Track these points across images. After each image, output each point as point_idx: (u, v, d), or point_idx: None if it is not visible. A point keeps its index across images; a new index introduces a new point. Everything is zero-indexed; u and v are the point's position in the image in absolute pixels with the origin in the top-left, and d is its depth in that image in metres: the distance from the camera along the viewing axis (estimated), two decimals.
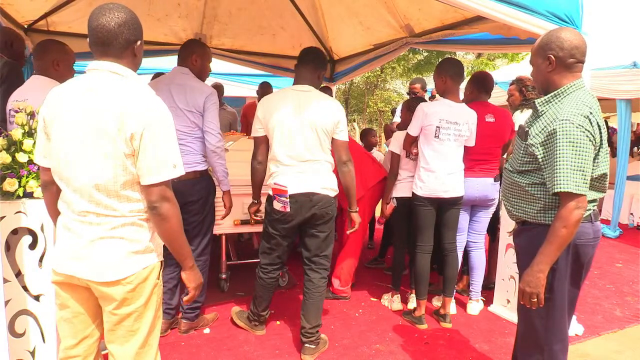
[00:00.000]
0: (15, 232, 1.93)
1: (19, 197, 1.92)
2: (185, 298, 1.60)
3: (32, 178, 1.93)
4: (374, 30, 4.46)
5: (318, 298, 2.53)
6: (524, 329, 1.84)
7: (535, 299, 1.62)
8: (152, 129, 1.35)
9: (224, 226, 3.20)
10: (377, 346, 2.72)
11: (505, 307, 3.17)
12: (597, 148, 1.61)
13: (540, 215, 1.70)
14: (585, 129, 1.54)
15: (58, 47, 2.46)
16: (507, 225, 3.06)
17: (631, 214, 6.24)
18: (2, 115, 2.47)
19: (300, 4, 4.50)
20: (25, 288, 1.95)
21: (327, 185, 2.45)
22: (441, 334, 2.91)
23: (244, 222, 3.27)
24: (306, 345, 2.52)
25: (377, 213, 4.07)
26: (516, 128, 2.84)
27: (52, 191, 1.50)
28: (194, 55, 2.57)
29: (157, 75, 3.79)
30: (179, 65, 2.59)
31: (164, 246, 1.54)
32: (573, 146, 1.54)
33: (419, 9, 3.83)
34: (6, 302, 1.88)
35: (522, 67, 6.21)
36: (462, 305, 3.33)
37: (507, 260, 3.13)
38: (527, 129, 1.73)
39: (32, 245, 1.94)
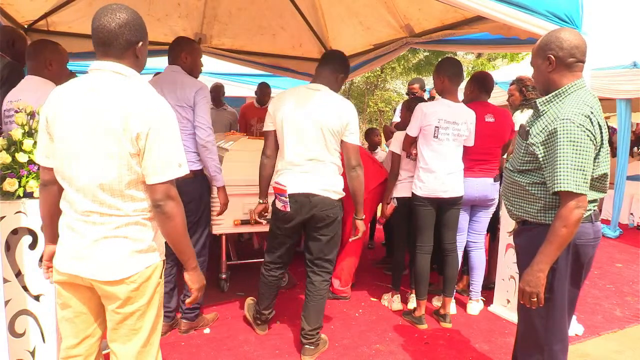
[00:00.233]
0: (15, 232, 1.93)
1: (19, 197, 1.92)
2: (188, 300, 1.61)
3: (32, 178, 1.93)
4: (374, 30, 4.46)
5: (319, 301, 2.53)
6: (524, 329, 1.84)
7: (535, 299, 1.62)
8: (157, 128, 1.36)
9: (224, 226, 3.20)
10: (377, 346, 2.73)
11: (505, 307, 3.17)
12: (598, 148, 1.61)
13: (541, 214, 1.70)
14: (586, 129, 1.54)
15: (51, 47, 2.46)
16: (507, 225, 3.06)
17: (631, 214, 6.24)
18: None
19: (300, 4, 4.49)
20: (25, 288, 1.95)
21: (328, 187, 2.41)
22: (441, 334, 2.91)
23: (244, 222, 3.27)
24: (306, 346, 2.52)
25: (378, 213, 4.07)
26: (516, 128, 2.85)
27: (51, 191, 1.50)
28: (183, 53, 2.56)
29: (157, 75, 3.79)
30: (170, 64, 2.59)
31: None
32: (574, 145, 1.54)
33: (419, 9, 3.83)
34: (6, 302, 1.88)
35: (522, 67, 6.21)
36: (462, 305, 3.34)
37: (507, 260, 3.13)
38: (528, 128, 1.73)
39: (32, 245, 1.94)
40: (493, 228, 3.47)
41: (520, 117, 3.33)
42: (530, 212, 1.74)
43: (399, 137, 3.15)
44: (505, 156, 3.34)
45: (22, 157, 1.92)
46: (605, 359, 2.68)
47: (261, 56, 5.05)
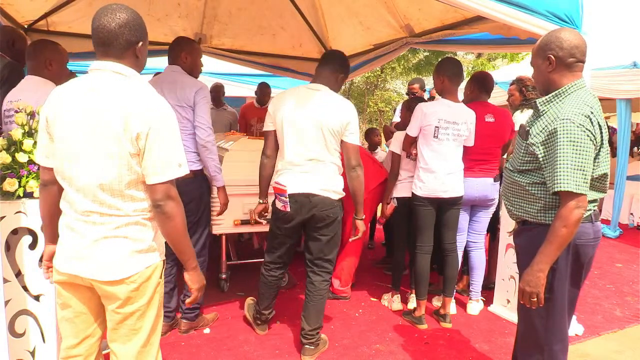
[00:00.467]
0: (15, 232, 1.93)
1: (19, 197, 1.92)
2: (187, 300, 1.61)
3: (32, 178, 1.93)
4: (374, 30, 4.46)
5: (319, 301, 2.53)
6: (524, 329, 1.84)
7: (535, 299, 1.62)
8: (157, 128, 1.36)
9: (224, 226, 3.20)
10: (377, 346, 2.73)
11: (505, 307, 3.17)
12: (598, 148, 1.61)
13: (541, 214, 1.70)
14: (586, 129, 1.54)
15: (51, 47, 2.46)
16: (507, 225, 3.06)
17: (631, 214, 6.24)
18: None
19: (300, 4, 4.49)
20: (25, 288, 1.95)
21: (328, 187, 2.40)
22: (441, 334, 2.91)
23: (244, 222, 3.27)
24: (306, 346, 2.52)
25: (378, 213, 4.07)
26: (516, 128, 2.85)
27: (51, 191, 1.50)
28: (183, 53, 2.56)
29: (157, 75, 3.79)
30: (170, 64, 2.59)
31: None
32: (574, 145, 1.54)
33: (419, 9, 3.83)
34: (6, 302, 1.88)
35: (522, 67, 6.21)
36: (462, 305, 3.34)
37: (507, 260, 3.13)
38: (528, 128, 1.74)
39: (32, 245, 1.95)
40: (493, 228, 3.47)
41: (520, 117, 3.33)
42: (530, 212, 1.74)
43: (399, 137, 3.15)
44: (505, 156, 3.34)
45: (22, 157, 1.92)
46: (605, 359, 2.68)
47: (261, 56, 5.05)
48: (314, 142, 2.36)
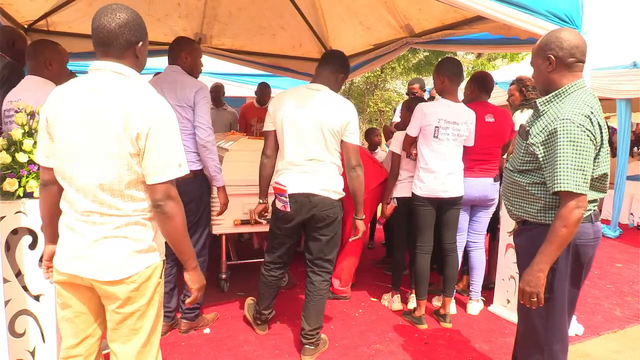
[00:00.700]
0: (15, 232, 1.93)
1: (19, 197, 1.92)
2: (187, 300, 1.61)
3: (32, 178, 1.93)
4: (374, 30, 4.46)
5: (319, 301, 2.53)
6: (524, 329, 1.84)
7: (535, 299, 1.62)
8: (157, 128, 1.36)
9: (224, 226, 3.20)
10: (377, 346, 2.73)
11: (505, 307, 3.17)
12: (598, 148, 1.61)
13: (541, 214, 1.70)
14: (586, 129, 1.54)
15: (51, 47, 2.46)
16: (507, 225, 3.06)
17: (631, 214, 6.24)
18: None
19: (300, 4, 4.49)
20: (25, 288, 1.95)
21: (328, 187, 2.40)
22: (441, 334, 2.91)
23: (244, 222, 3.27)
24: (306, 346, 2.52)
25: (378, 213, 4.08)
26: (516, 128, 2.85)
27: (51, 191, 1.50)
28: (183, 52, 2.56)
29: (157, 75, 3.79)
30: (170, 64, 2.59)
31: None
32: (574, 145, 1.54)
33: (419, 9, 3.83)
34: (6, 302, 1.88)
35: (522, 67, 6.21)
36: (462, 305, 3.34)
37: (507, 260, 3.13)
38: (528, 128, 1.74)
39: (32, 245, 1.94)
40: (493, 228, 3.47)
41: (520, 117, 3.33)
42: (530, 212, 1.74)
43: (399, 137, 3.15)
44: (505, 156, 3.34)
45: (22, 157, 1.92)
46: (605, 359, 2.68)
47: (261, 56, 5.05)
48: (314, 142, 2.36)
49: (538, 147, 1.65)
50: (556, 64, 1.68)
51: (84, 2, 3.68)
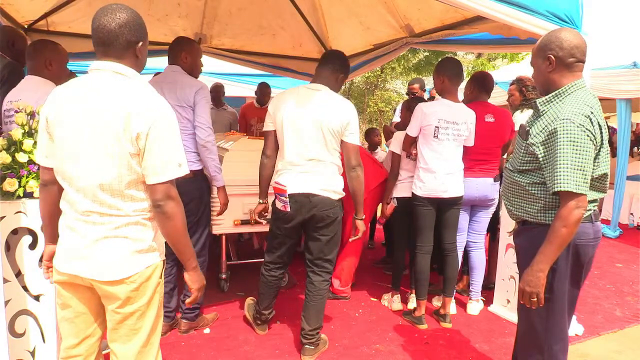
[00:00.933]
0: (15, 232, 1.93)
1: (19, 197, 1.92)
2: (187, 300, 1.61)
3: (32, 178, 1.93)
4: (374, 30, 4.46)
5: (319, 301, 2.53)
6: (524, 329, 1.84)
7: (535, 299, 1.62)
8: (157, 128, 1.36)
9: (224, 226, 3.20)
10: (377, 346, 2.73)
11: (505, 307, 3.17)
12: (598, 148, 1.61)
13: (541, 214, 1.70)
14: (586, 129, 1.54)
15: (50, 47, 2.46)
16: (507, 225, 3.06)
17: (631, 214, 6.24)
18: None
19: (300, 4, 4.49)
20: (25, 288, 1.95)
21: (328, 187, 2.40)
22: (441, 334, 2.91)
23: (244, 222, 3.27)
24: (306, 346, 2.52)
25: (378, 213, 4.08)
26: (516, 128, 2.85)
27: (51, 191, 1.50)
28: (183, 52, 2.56)
29: (157, 75, 3.79)
30: (170, 64, 2.59)
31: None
32: (574, 145, 1.54)
33: (418, 9, 3.83)
34: (6, 302, 1.88)
35: (522, 67, 6.21)
36: (462, 305, 3.34)
37: (507, 260, 3.13)
38: (528, 128, 1.74)
39: (32, 245, 1.94)
40: (493, 228, 3.47)
41: (520, 117, 3.33)
42: (530, 212, 1.74)
43: (399, 137, 3.15)
44: (505, 156, 3.34)
45: (22, 157, 1.92)
46: (605, 359, 2.68)
47: (261, 56, 5.05)
48: (314, 142, 2.36)
49: (538, 147, 1.65)
50: (556, 64, 1.68)
51: (84, 2, 3.68)
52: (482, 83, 3.17)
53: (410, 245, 3.16)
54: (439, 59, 3.59)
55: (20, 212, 1.93)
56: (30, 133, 1.96)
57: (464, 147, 2.95)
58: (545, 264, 1.59)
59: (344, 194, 2.50)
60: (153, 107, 1.38)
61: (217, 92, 5.27)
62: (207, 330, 2.82)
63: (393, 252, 3.46)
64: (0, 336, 1.71)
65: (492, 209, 3.23)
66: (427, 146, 2.86)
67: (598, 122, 1.59)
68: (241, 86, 6.60)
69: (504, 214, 3.22)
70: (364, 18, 4.35)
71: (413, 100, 3.40)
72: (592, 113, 1.58)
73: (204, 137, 2.49)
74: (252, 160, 2.75)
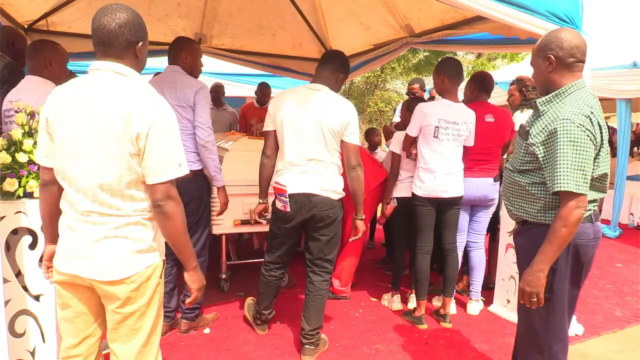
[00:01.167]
0: (15, 232, 1.93)
1: (19, 197, 1.92)
2: (187, 300, 1.61)
3: (32, 178, 1.93)
4: (374, 30, 4.46)
5: (319, 301, 2.53)
6: (524, 329, 1.84)
7: (535, 299, 1.62)
8: (157, 128, 1.36)
9: (224, 226, 3.20)
10: (377, 346, 2.73)
11: (505, 307, 3.17)
12: (598, 148, 1.61)
13: (541, 214, 1.70)
14: (586, 129, 1.54)
15: (50, 47, 2.46)
16: (507, 225, 3.06)
17: (631, 214, 6.24)
18: None
19: (300, 4, 4.49)
20: (25, 288, 1.95)
21: (328, 187, 2.40)
22: (441, 334, 2.91)
23: (244, 222, 3.27)
24: (306, 346, 2.52)
25: (378, 213, 4.08)
26: (516, 128, 2.85)
27: (51, 191, 1.50)
28: (183, 52, 2.56)
29: (157, 75, 3.79)
30: (170, 64, 2.59)
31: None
32: (574, 145, 1.54)
33: (418, 9, 3.83)
34: (6, 302, 1.88)
35: (522, 67, 6.21)
36: (462, 305, 3.34)
37: (507, 260, 3.13)
38: (528, 128, 1.74)
39: (32, 245, 1.94)
40: (493, 228, 3.47)
41: (520, 117, 3.33)
42: (530, 212, 1.74)
43: (399, 137, 3.15)
44: (505, 156, 3.34)
45: (22, 157, 1.92)
46: (605, 359, 2.68)
47: (261, 56, 5.05)
48: (314, 142, 2.36)
49: (538, 147, 1.66)
50: (556, 64, 1.68)
51: (84, 2, 3.68)
52: (482, 83, 3.17)
53: (410, 245, 3.16)
54: (439, 59, 3.59)
55: (20, 212, 1.93)
56: (30, 133, 1.96)
57: (464, 147, 2.95)
58: (545, 264, 1.59)
59: (344, 194, 2.50)
60: (153, 107, 1.38)
61: (217, 92, 5.27)
62: (207, 330, 2.82)
63: (393, 252, 3.46)
64: (0, 336, 1.71)
65: (492, 209, 3.23)
66: (427, 146, 2.86)
67: (598, 122, 1.59)
68: (241, 86, 6.60)
69: (504, 214, 3.22)
70: (364, 18, 4.35)
71: (413, 100, 3.40)
72: (592, 113, 1.58)
73: (204, 137, 2.49)
74: (252, 160, 2.75)
